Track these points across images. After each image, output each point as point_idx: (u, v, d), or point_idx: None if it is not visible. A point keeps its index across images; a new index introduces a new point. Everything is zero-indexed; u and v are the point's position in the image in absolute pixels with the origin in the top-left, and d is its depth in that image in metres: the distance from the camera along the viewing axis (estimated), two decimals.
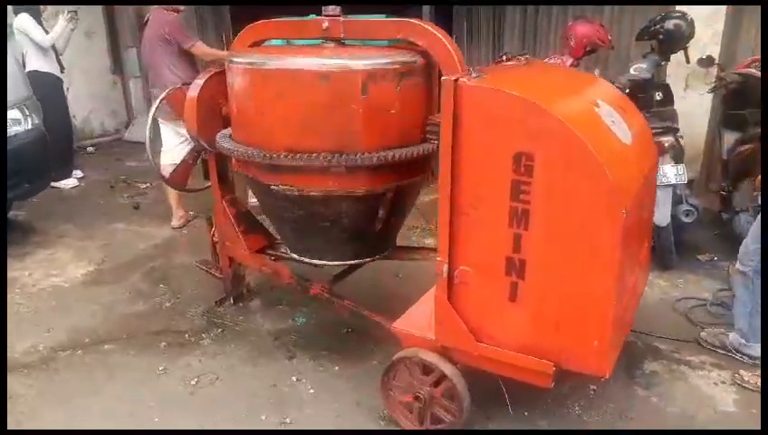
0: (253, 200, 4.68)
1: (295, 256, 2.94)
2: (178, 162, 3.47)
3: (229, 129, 2.85)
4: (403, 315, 2.49)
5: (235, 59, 2.57)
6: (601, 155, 1.91)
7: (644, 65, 4.24)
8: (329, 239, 2.76)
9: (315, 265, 2.96)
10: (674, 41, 4.31)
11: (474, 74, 2.07)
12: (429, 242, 4.23)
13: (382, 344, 3.08)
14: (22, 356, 3.10)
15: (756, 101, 4.33)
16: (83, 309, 3.57)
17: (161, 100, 3.18)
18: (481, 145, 2.04)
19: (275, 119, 2.46)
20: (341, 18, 2.54)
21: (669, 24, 4.29)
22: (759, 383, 2.65)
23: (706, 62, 4.45)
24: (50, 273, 4.06)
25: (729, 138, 4.49)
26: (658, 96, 4.07)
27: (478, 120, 2.01)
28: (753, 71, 4.21)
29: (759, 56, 4.44)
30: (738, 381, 2.71)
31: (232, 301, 3.55)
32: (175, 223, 4.81)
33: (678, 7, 5.12)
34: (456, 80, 2.01)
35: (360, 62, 2.37)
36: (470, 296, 2.22)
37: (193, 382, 2.86)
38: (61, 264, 4.21)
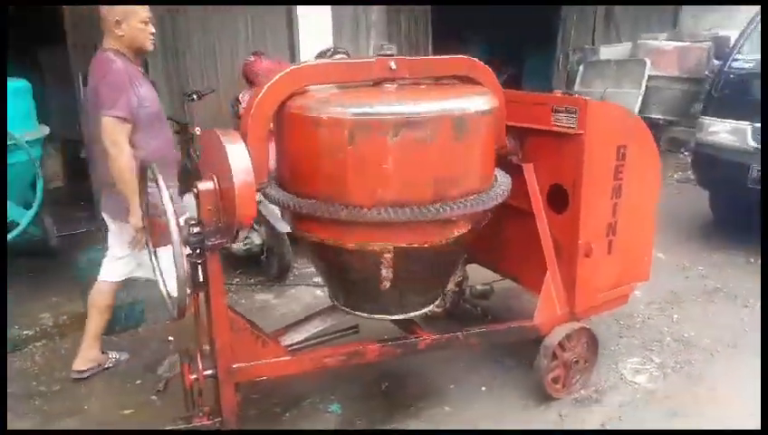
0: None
1: (387, 317, 2.63)
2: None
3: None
4: (536, 313, 2.84)
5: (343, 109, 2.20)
6: None
7: None
8: (429, 287, 2.70)
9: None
10: None
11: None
12: None
13: (425, 377, 3.14)
14: None
15: None
16: None
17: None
18: (597, 144, 2.74)
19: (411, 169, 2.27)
20: (407, 58, 2.53)
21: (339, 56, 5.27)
22: None
23: None
24: None
25: None
26: None
27: (597, 127, 2.71)
28: None
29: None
30: None
31: None
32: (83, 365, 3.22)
33: None
34: (586, 100, 2.65)
35: (477, 100, 2.47)
36: (590, 263, 2.89)
37: None
38: None
